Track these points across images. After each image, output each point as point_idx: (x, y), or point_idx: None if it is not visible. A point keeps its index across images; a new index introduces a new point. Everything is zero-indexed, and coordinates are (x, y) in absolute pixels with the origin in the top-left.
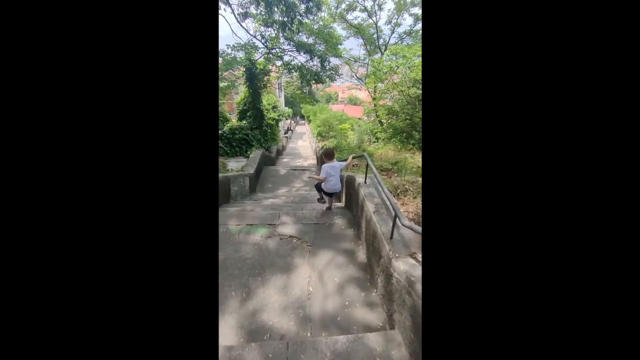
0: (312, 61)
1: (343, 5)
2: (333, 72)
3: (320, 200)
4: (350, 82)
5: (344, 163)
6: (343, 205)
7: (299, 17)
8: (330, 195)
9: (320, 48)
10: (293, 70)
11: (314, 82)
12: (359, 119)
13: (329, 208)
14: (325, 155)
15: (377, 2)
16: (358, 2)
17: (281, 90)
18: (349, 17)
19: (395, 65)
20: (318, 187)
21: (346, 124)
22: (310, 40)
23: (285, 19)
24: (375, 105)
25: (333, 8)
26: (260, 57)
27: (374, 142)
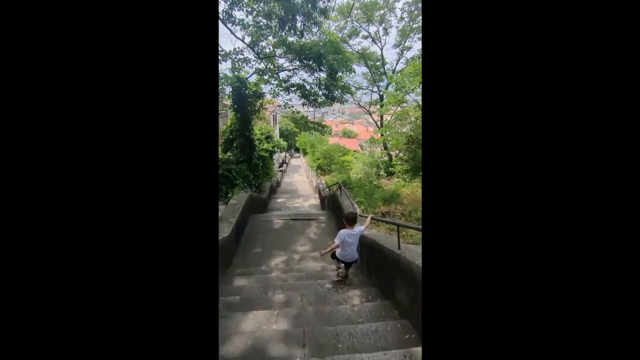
0: (321, 72)
1: (345, 31)
2: (341, 93)
3: (338, 269)
4: (342, 117)
5: (363, 228)
6: None
7: (301, 19)
8: (346, 265)
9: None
10: (292, 90)
11: (317, 103)
12: (355, 151)
13: (346, 276)
14: (347, 221)
15: (382, 26)
16: (362, 27)
17: (276, 122)
18: (352, 42)
19: None
20: (333, 256)
21: (348, 156)
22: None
23: (287, 18)
24: (382, 136)
25: (336, 32)
26: (252, 74)
27: (385, 176)
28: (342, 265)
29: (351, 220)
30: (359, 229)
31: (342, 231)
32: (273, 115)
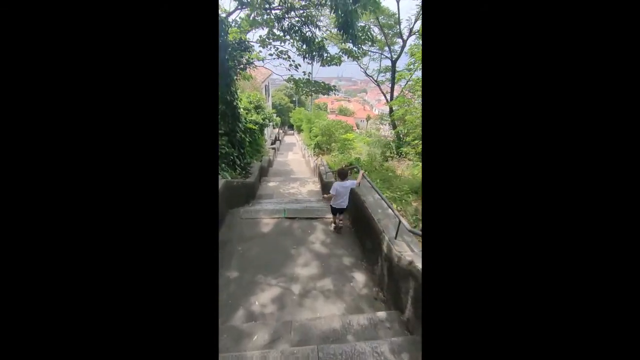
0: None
1: None
2: (357, 43)
3: (333, 222)
4: (338, 94)
5: (354, 182)
6: None
7: None
8: (338, 212)
9: None
10: (289, 35)
11: (325, 59)
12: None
13: (338, 227)
14: (339, 175)
15: None
16: None
17: (268, 94)
18: None
19: None
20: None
21: (351, 133)
22: None
23: None
24: (391, 112)
25: None
26: (234, 10)
27: (396, 158)
28: (335, 216)
29: (342, 176)
30: (349, 182)
31: (336, 183)
32: (265, 86)
